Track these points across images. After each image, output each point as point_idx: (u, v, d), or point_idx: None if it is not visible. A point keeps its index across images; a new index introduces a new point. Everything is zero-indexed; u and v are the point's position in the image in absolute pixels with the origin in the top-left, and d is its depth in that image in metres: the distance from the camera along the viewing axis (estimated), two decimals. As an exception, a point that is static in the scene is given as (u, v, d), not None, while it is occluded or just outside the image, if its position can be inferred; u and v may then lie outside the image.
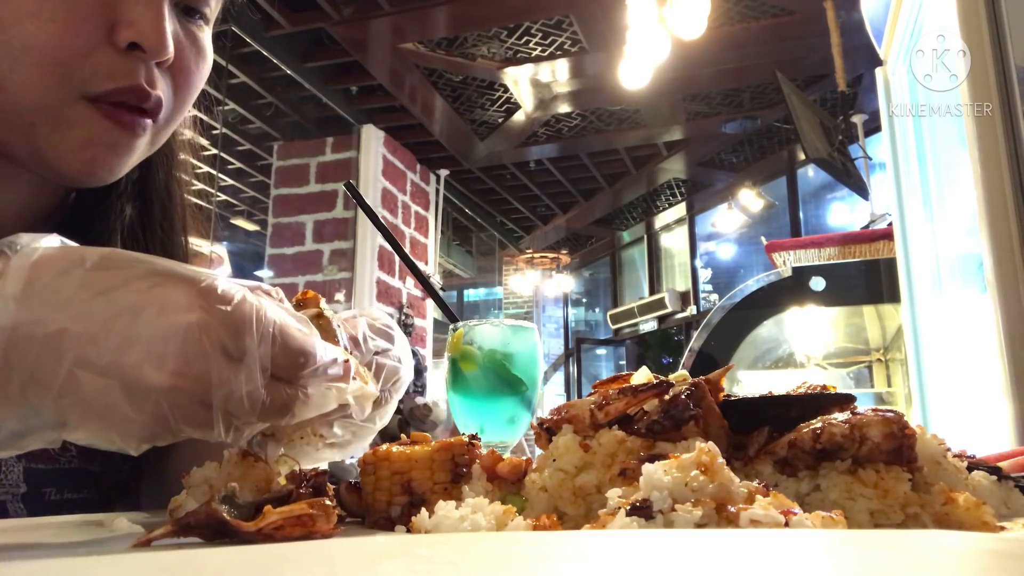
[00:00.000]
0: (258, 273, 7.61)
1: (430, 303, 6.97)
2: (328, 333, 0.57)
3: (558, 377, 10.72)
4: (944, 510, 0.46)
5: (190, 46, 0.73)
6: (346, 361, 0.53)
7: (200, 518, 0.43)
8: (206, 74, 0.77)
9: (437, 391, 6.07)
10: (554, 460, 0.53)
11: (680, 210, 9.13)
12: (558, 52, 5.43)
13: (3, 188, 0.74)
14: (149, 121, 0.70)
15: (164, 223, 0.86)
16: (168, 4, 0.69)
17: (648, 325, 9.44)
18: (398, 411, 6.67)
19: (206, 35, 0.76)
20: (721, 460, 0.44)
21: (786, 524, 0.39)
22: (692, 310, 8.63)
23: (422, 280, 0.98)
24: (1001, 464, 0.59)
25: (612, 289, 10.78)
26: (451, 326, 0.91)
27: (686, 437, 0.52)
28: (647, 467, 0.44)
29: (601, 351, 11.17)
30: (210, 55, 0.77)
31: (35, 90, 0.65)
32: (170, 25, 0.68)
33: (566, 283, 10.79)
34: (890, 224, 3.06)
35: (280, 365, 0.48)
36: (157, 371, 0.44)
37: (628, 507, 0.41)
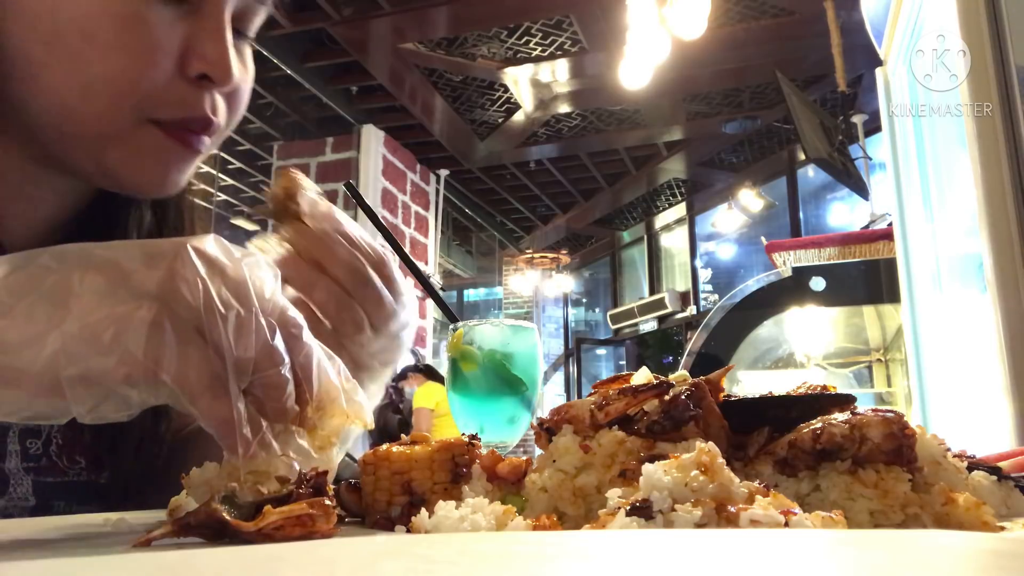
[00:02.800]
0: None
1: (430, 303, 6.96)
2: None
3: (558, 377, 10.72)
4: (944, 510, 0.46)
5: (241, 67, 0.74)
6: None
7: (200, 518, 0.42)
8: (251, 88, 0.79)
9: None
10: (554, 461, 0.53)
11: (680, 210, 9.13)
12: (558, 52, 5.43)
13: (30, 195, 0.74)
14: (207, 139, 0.73)
15: (177, 225, 0.87)
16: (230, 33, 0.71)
17: (648, 325, 9.44)
18: (397, 410, 6.55)
19: (249, 49, 0.78)
20: (721, 460, 0.44)
21: (786, 524, 0.39)
22: (692, 310, 8.63)
23: (422, 280, 0.98)
24: (1001, 464, 0.59)
25: (612, 289, 10.78)
26: (451, 326, 0.91)
27: (686, 437, 0.52)
28: (647, 467, 0.44)
29: (601, 351, 11.17)
30: (253, 70, 0.78)
31: (106, 118, 0.67)
32: (233, 54, 0.70)
33: (566, 283, 10.79)
34: (890, 224, 3.06)
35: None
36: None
37: (628, 507, 0.41)
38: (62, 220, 0.78)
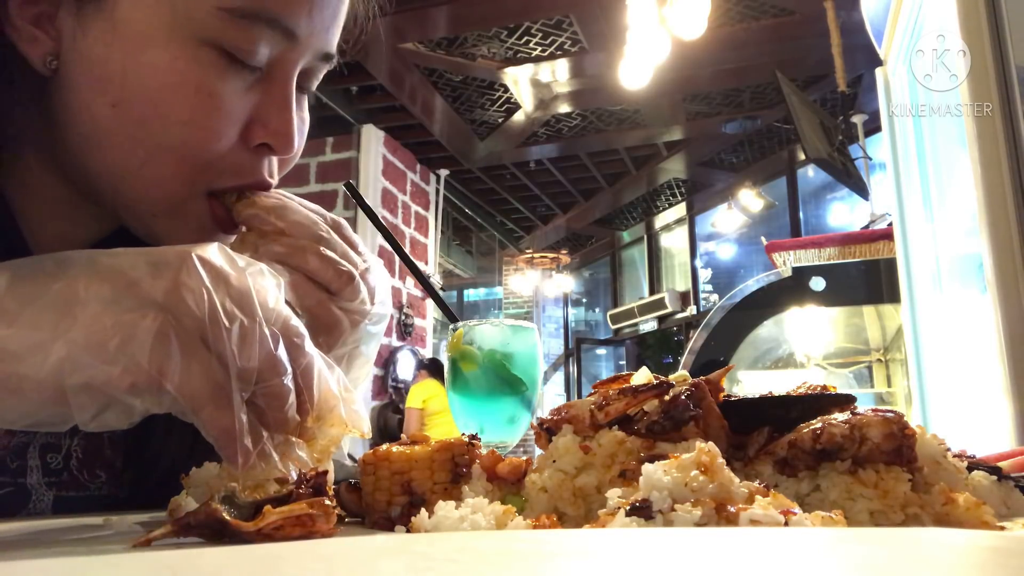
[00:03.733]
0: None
1: (430, 303, 6.97)
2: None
3: (558, 377, 10.72)
4: (944, 510, 0.46)
5: (300, 123, 0.73)
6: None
7: (200, 518, 0.42)
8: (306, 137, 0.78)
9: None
10: (554, 461, 0.53)
11: (680, 210, 9.13)
12: (558, 52, 5.43)
13: (70, 216, 0.74)
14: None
15: None
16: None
17: (648, 325, 9.44)
18: (397, 410, 6.48)
19: (306, 102, 0.77)
20: (721, 460, 0.44)
21: (786, 524, 0.39)
22: (692, 310, 8.63)
23: (422, 280, 0.98)
24: (1001, 464, 0.58)
25: (612, 289, 10.78)
26: (451, 326, 0.91)
27: (686, 438, 0.52)
28: (647, 467, 0.44)
29: (601, 351, 11.17)
30: (308, 120, 0.77)
31: (164, 186, 0.66)
32: (296, 122, 0.69)
33: (566, 283, 10.79)
34: (890, 224, 3.06)
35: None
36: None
37: (628, 507, 0.41)
38: (100, 239, 0.77)
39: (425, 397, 5.85)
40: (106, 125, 0.64)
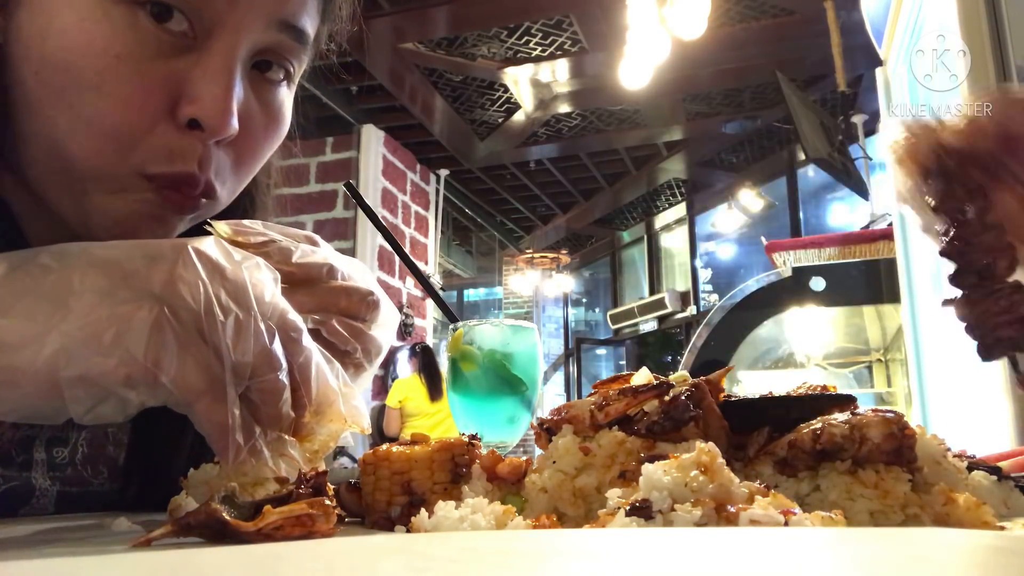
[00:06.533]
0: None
1: (430, 303, 6.97)
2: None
3: (558, 377, 10.72)
4: (944, 511, 0.46)
5: (260, 113, 0.66)
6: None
7: (200, 518, 0.42)
8: (277, 141, 0.70)
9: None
10: (554, 461, 0.53)
11: (680, 210, 9.13)
12: (558, 52, 5.44)
13: (50, 213, 0.71)
14: (203, 200, 0.65)
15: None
16: (239, 72, 0.63)
17: (648, 325, 9.43)
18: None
19: (282, 95, 0.69)
20: (721, 460, 0.44)
21: (786, 524, 0.39)
22: (692, 310, 8.63)
23: (422, 280, 0.98)
24: (1001, 464, 0.58)
25: (612, 289, 10.78)
26: (451, 326, 0.91)
27: (686, 438, 0.52)
28: (647, 467, 0.44)
29: (601, 351, 11.17)
30: (285, 119, 0.70)
31: (92, 159, 0.61)
32: (238, 97, 0.62)
33: (566, 283, 10.80)
34: (890, 224, 3.06)
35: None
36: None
37: (628, 507, 0.41)
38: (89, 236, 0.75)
39: (401, 397, 5.75)
40: (31, 96, 0.60)
